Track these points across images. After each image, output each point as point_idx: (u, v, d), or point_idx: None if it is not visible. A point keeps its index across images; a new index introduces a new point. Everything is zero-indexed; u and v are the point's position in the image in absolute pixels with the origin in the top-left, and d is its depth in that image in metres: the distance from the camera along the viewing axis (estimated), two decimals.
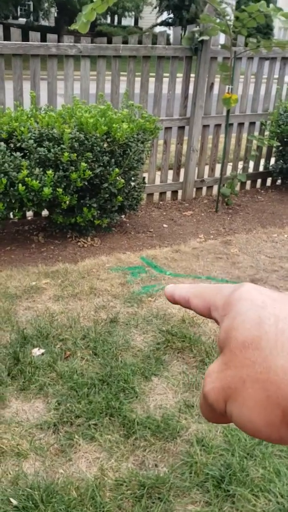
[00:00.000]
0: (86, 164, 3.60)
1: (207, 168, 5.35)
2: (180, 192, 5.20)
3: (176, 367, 2.47)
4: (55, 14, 24.88)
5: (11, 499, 1.70)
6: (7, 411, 2.13)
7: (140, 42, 4.55)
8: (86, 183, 3.72)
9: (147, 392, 2.28)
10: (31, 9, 24.70)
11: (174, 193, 5.19)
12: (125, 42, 4.50)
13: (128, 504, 1.73)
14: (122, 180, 3.86)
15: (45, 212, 4.24)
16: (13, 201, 3.60)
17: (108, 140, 3.76)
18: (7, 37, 3.95)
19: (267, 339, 0.30)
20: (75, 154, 3.57)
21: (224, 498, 1.78)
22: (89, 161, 3.66)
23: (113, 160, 3.78)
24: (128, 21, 31.27)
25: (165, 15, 25.51)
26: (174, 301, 0.40)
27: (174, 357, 2.55)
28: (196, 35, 4.65)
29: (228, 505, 1.75)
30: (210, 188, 5.41)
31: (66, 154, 3.53)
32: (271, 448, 1.98)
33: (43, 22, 25.38)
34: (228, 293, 0.34)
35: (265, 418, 0.29)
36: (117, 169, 3.76)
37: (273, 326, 0.30)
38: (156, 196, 5.10)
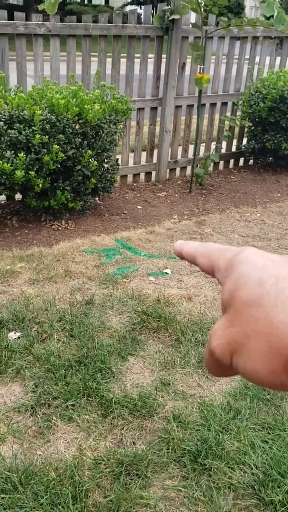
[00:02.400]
0: (58, 147, 3.55)
1: (180, 149, 5.35)
2: (153, 174, 5.19)
3: (152, 347, 2.50)
4: None
5: None
6: None
7: (110, 21, 4.48)
8: (58, 166, 3.68)
9: (124, 371, 2.31)
10: None
11: (148, 174, 5.18)
12: (96, 21, 4.42)
13: (106, 482, 1.76)
14: (95, 162, 3.83)
15: (18, 196, 4.19)
16: None
17: (80, 121, 3.71)
18: None
19: (268, 297, 0.32)
20: (47, 136, 3.52)
21: (201, 472, 1.82)
22: (61, 143, 3.61)
23: (85, 142, 3.74)
24: (98, 0, 30.64)
25: None
26: (181, 257, 0.42)
27: (150, 336, 2.57)
28: (167, 14, 4.60)
29: (205, 478, 1.80)
30: (183, 169, 5.41)
31: (37, 136, 3.47)
32: (246, 422, 2.04)
33: (11, 1, 24.66)
34: (230, 256, 0.37)
35: (268, 367, 0.32)
36: (89, 151, 3.72)
37: (274, 286, 0.32)
38: (130, 178, 5.08)
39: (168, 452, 1.88)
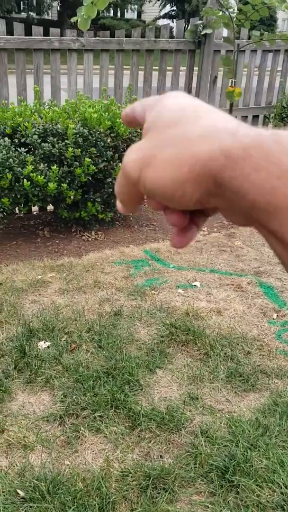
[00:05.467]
0: (90, 160, 3.61)
1: None
2: None
3: (180, 360, 2.49)
4: (58, 8, 24.77)
5: (18, 491, 1.73)
6: (13, 404, 2.16)
7: (143, 36, 4.55)
8: (90, 178, 3.74)
9: (152, 384, 2.31)
10: (34, 3, 24.60)
11: None
12: (128, 35, 4.50)
13: (133, 495, 1.76)
14: None
15: (50, 207, 4.26)
16: (19, 196, 3.61)
17: (112, 135, 3.76)
18: (10, 32, 3.96)
19: (187, 120, 0.35)
20: (79, 150, 3.58)
21: (229, 489, 1.80)
22: (93, 156, 3.67)
23: (116, 155, 3.79)
24: (131, 14, 31.10)
25: (168, 8, 25.35)
26: (128, 119, 0.43)
27: (178, 350, 2.57)
28: (199, 28, 4.64)
29: (232, 496, 1.78)
30: None
31: (70, 149, 3.54)
32: (275, 439, 2.00)
33: (46, 16, 25.29)
34: (159, 96, 0.39)
35: (174, 175, 0.33)
36: (120, 164, 3.76)
37: (193, 112, 0.35)
38: None
39: (196, 467, 1.87)
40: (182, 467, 1.87)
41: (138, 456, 1.93)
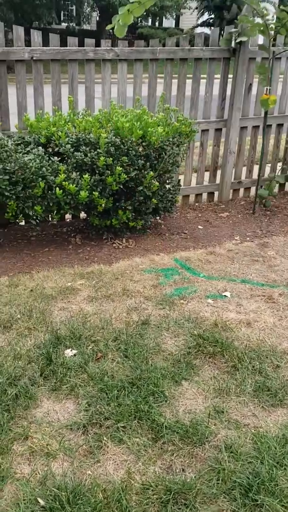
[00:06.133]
0: (121, 168, 3.62)
1: (244, 169, 5.29)
2: (216, 194, 5.16)
3: (207, 372, 2.45)
4: (97, 18, 25.19)
5: (39, 499, 1.74)
6: (38, 411, 2.17)
7: (178, 44, 4.55)
8: (121, 186, 3.75)
9: (177, 396, 2.28)
10: (74, 13, 25.09)
11: (210, 194, 5.15)
12: (163, 45, 4.51)
13: (153, 509, 1.74)
14: (157, 183, 3.86)
15: (83, 214, 4.31)
16: (51, 204, 3.67)
17: (144, 144, 3.77)
18: (46, 43, 4.03)
19: None
20: (111, 159, 3.60)
21: (252, 508, 1.75)
22: (125, 165, 3.68)
23: (148, 163, 3.79)
24: (169, 23, 31.27)
25: (206, 16, 25.35)
26: None
27: (205, 361, 2.53)
28: (234, 36, 4.61)
29: None
30: (247, 189, 5.34)
31: (102, 158, 3.57)
32: None
33: (85, 26, 25.74)
34: None
35: None
36: (152, 173, 3.77)
37: None
38: (192, 198, 5.08)
39: (218, 483, 1.83)
40: (204, 482, 1.83)
41: (160, 469, 1.90)
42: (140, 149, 3.76)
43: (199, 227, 4.51)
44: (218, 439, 2.04)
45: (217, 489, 1.81)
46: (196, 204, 5.07)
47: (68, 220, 4.52)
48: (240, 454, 1.95)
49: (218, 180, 5.11)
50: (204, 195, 5.16)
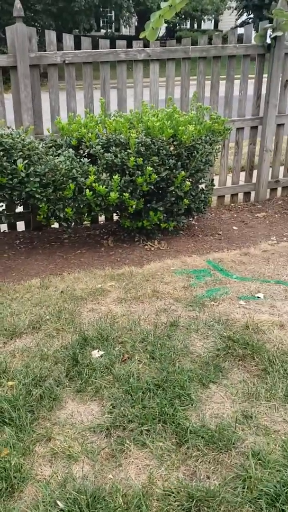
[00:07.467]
0: (152, 168, 3.58)
1: (282, 168, 5.14)
2: (252, 194, 5.04)
3: (236, 375, 2.37)
4: (136, 23, 25.35)
5: (58, 502, 1.71)
6: (62, 412, 2.15)
7: (210, 43, 4.48)
8: (152, 187, 3.71)
9: (204, 400, 2.20)
10: (113, 19, 25.35)
11: (247, 194, 5.03)
12: (195, 43, 4.45)
13: None
14: (189, 183, 3.80)
15: (116, 217, 4.29)
16: (82, 206, 3.67)
17: (175, 143, 3.72)
18: (78, 47, 4.05)
19: None
20: (141, 159, 3.57)
21: None
22: (155, 165, 3.64)
23: (179, 163, 3.73)
24: (207, 25, 31.08)
25: (245, 16, 25.04)
26: None
27: (235, 364, 2.44)
28: (269, 32, 4.49)
29: None
30: (285, 188, 5.19)
31: (132, 159, 3.54)
32: None
33: (124, 31, 25.95)
34: None
35: None
36: (183, 172, 3.70)
37: None
38: (227, 198, 4.98)
39: (244, 492, 1.74)
40: (229, 490, 1.75)
41: (183, 475, 1.83)
42: (171, 148, 3.70)
43: (234, 227, 4.41)
44: (245, 446, 1.95)
45: (242, 497, 1.72)
46: (232, 204, 4.96)
47: (101, 222, 4.52)
48: (268, 462, 1.86)
49: (254, 180, 4.99)
50: (240, 195, 5.05)
